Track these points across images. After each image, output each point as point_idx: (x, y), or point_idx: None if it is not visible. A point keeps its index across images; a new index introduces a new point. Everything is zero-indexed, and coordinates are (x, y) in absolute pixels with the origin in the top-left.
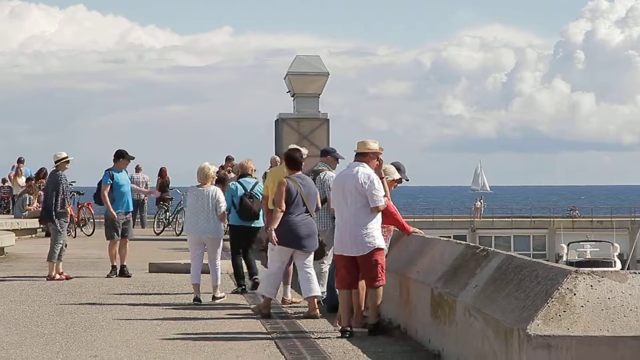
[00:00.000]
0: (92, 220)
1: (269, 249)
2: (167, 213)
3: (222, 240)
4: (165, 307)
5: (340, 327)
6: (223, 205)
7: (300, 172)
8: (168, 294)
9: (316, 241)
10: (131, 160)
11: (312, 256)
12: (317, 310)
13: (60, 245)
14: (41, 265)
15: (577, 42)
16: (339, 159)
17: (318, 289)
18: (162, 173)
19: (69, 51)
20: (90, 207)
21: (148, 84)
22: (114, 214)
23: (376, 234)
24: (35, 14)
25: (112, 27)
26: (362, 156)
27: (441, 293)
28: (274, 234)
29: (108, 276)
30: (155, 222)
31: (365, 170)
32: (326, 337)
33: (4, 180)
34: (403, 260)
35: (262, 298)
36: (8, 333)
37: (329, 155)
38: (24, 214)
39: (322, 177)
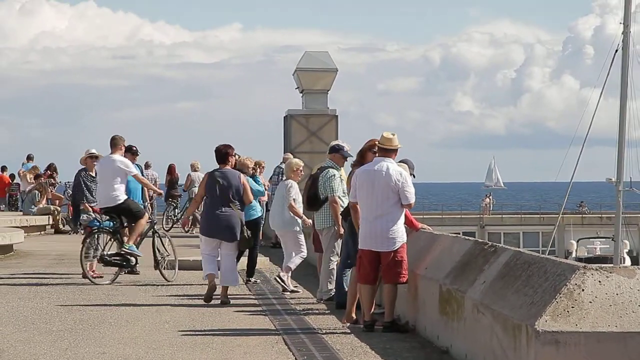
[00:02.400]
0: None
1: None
2: (176, 210)
3: (294, 232)
4: (173, 304)
5: (365, 322)
6: (290, 198)
7: (226, 166)
8: (177, 291)
9: (234, 233)
10: (138, 156)
11: (233, 246)
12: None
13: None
14: (50, 262)
15: (586, 38)
16: (347, 157)
17: (232, 280)
18: (170, 170)
19: (79, 47)
20: None
21: (158, 80)
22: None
23: (402, 229)
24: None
25: (122, 23)
26: (389, 152)
27: (449, 289)
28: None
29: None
30: (164, 219)
31: (396, 167)
32: (334, 333)
33: (12, 177)
34: (411, 256)
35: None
36: (17, 330)
37: (337, 153)
38: (32, 210)
39: (324, 175)
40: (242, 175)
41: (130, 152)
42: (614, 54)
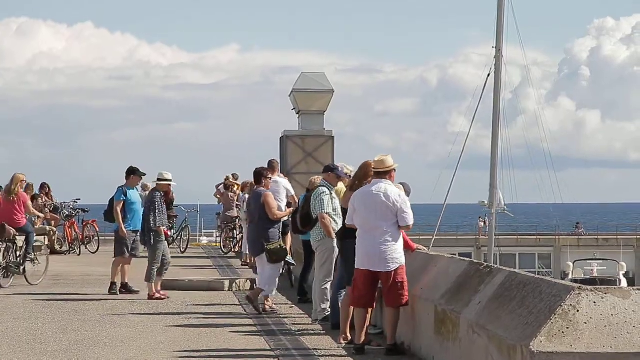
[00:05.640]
0: (96, 237)
1: None
2: (172, 230)
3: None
4: (169, 325)
5: (354, 344)
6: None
7: (260, 187)
8: (172, 311)
9: (256, 248)
10: (143, 177)
11: (263, 258)
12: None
13: (157, 265)
14: (47, 283)
15: (582, 59)
16: (341, 177)
17: (264, 288)
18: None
19: (76, 68)
20: (95, 224)
21: (155, 101)
22: (125, 232)
23: (401, 250)
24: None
25: (120, 44)
26: (384, 174)
27: (445, 310)
28: None
29: (111, 292)
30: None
31: (394, 189)
32: (330, 355)
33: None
34: (407, 276)
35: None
36: (12, 350)
37: (331, 172)
38: None
39: (315, 194)
40: (266, 193)
41: (135, 174)
42: (487, 78)
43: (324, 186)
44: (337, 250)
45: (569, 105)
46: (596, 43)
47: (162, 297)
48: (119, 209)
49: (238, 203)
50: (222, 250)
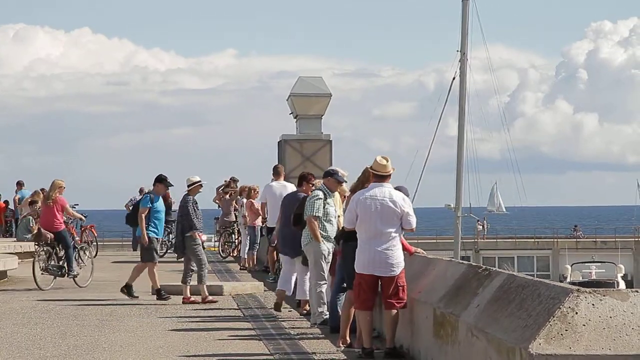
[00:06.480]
0: (95, 243)
1: None
2: (170, 235)
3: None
4: (167, 329)
5: (363, 348)
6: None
7: (301, 190)
8: (171, 316)
9: (295, 249)
10: (170, 188)
11: (296, 261)
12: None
13: (207, 268)
14: (45, 288)
15: (579, 62)
16: (341, 182)
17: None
18: (165, 195)
19: (73, 74)
20: (93, 229)
21: (152, 106)
22: (146, 239)
23: (402, 254)
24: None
25: (117, 50)
26: (384, 177)
27: (443, 313)
28: None
29: (163, 298)
30: (159, 244)
31: (398, 193)
32: (329, 358)
33: (6, 203)
34: (406, 280)
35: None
36: (10, 356)
37: (331, 177)
38: (27, 236)
39: (309, 196)
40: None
41: (162, 182)
42: (452, 81)
43: (320, 190)
44: (325, 253)
45: (566, 109)
46: (593, 46)
47: (214, 300)
48: (143, 216)
49: (236, 207)
50: (220, 254)
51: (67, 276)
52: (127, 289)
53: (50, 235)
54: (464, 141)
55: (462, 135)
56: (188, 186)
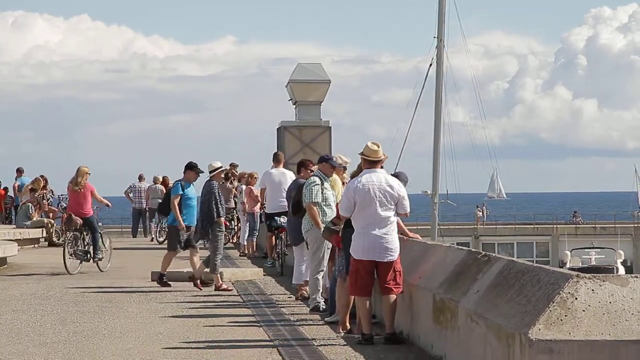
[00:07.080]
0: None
1: None
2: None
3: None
4: (167, 316)
5: (363, 334)
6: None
7: (299, 177)
8: (170, 302)
9: (297, 237)
10: (200, 174)
11: (302, 247)
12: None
13: (220, 255)
14: (43, 276)
15: (579, 48)
16: (336, 167)
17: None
18: (164, 182)
19: (72, 61)
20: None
21: (151, 93)
22: (183, 225)
23: (398, 240)
24: (39, 24)
25: (116, 36)
26: (375, 163)
27: (443, 299)
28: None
29: (163, 284)
30: (157, 231)
31: (392, 178)
32: (329, 344)
33: (6, 189)
34: (405, 266)
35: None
36: (10, 342)
37: (325, 162)
38: (26, 223)
39: (306, 183)
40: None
41: (192, 170)
42: (428, 68)
43: (316, 176)
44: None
45: (565, 95)
46: (593, 32)
47: (228, 288)
48: (176, 203)
49: (236, 194)
50: None
51: (92, 260)
52: (159, 279)
53: (80, 221)
54: (440, 128)
55: (438, 122)
56: (210, 172)
